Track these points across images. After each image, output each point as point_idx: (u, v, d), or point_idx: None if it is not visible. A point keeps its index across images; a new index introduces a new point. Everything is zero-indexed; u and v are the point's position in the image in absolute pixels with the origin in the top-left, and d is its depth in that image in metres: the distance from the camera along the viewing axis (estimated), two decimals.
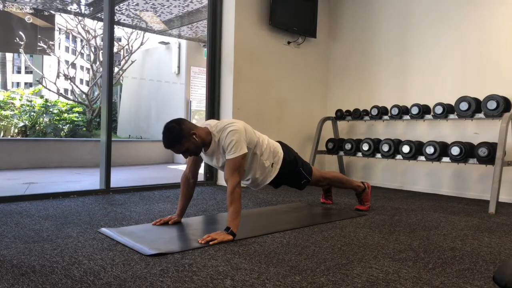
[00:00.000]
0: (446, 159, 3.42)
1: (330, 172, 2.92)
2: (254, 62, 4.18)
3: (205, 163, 4.29)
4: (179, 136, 2.07)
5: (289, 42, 4.50)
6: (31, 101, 8.38)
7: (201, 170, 4.36)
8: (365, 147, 3.94)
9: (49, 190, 3.62)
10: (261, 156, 2.33)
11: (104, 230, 2.12)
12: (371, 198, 2.97)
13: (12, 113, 7.91)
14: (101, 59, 9.62)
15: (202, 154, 2.28)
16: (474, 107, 3.33)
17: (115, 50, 4.48)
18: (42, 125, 8.03)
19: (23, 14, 7.73)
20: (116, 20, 6.62)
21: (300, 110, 4.66)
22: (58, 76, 9.86)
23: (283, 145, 2.55)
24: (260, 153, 2.31)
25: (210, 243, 1.88)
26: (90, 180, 4.50)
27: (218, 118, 4.12)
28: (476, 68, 3.71)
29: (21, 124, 7.84)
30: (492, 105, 3.22)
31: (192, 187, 2.35)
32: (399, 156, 3.72)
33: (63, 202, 2.95)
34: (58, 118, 8.34)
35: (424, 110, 3.71)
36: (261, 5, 4.20)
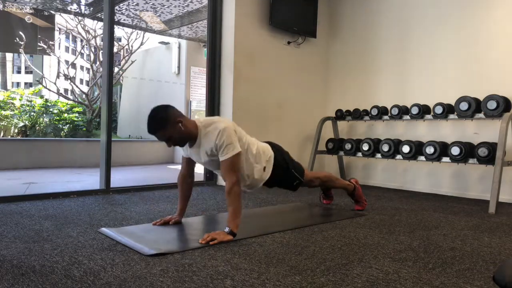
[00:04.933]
0: (446, 159, 3.42)
1: (321, 172, 2.86)
2: (254, 62, 4.18)
3: None
4: (164, 121, 2.00)
5: (289, 42, 4.50)
6: (31, 101, 8.38)
7: (201, 170, 4.37)
8: (365, 147, 3.94)
9: (49, 190, 3.62)
10: (252, 159, 2.26)
11: (104, 230, 2.12)
12: (370, 198, 2.96)
13: (12, 113, 7.91)
14: (101, 59, 9.62)
15: (186, 148, 2.21)
16: (474, 107, 3.33)
17: (115, 50, 4.48)
18: (42, 125, 8.03)
19: (23, 14, 7.73)
20: (116, 20, 6.62)
21: (300, 110, 4.66)
22: (58, 76, 9.87)
23: (273, 146, 2.47)
24: (251, 156, 2.25)
25: (210, 243, 1.88)
26: (90, 180, 4.49)
27: None
28: (476, 68, 3.71)
29: (21, 124, 7.84)
30: (492, 105, 3.22)
31: (190, 186, 2.34)
32: (399, 156, 3.72)
33: (63, 202, 2.95)
34: (58, 118, 8.34)
35: (424, 110, 3.71)
36: (261, 5, 4.20)
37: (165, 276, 1.47)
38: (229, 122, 2.14)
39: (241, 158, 2.13)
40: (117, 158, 5.61)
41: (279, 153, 2.47)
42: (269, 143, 2.49)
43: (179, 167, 2.39)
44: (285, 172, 2.46)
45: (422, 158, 3.58)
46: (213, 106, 4.14)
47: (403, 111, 3.86)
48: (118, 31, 8.91)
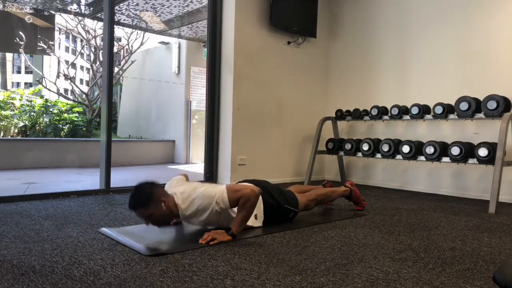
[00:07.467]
0: (446, 159, 3.42)
1: (312, 190, 2.66)
2: (254, 62, 4.18)
3: (204, 162, 4.30)
4: (147, 199, 1.92)
5: (289, 42, 4.50)
6: (31, 101, 8.38)
7: (202, 170, 4.37)
8: (365, 147, 3.94)
9: (49, 190, 3.61)
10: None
11: (104, 230, 2.12)
12: (370, 198, 2.96)
13: (12, 113, 7.91)
14: (101, 59, 9.62)
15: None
16: (474, 107, 3.33)
17: (115, 50, 4.47)
18: (42, 125, 8.03)
19: (23, 14, 7.73)
20: (116, 20, 6.62)
21: (300, 110, 4.66)
22: (58, 76, 9.86)
23: (258, 185, 2.27)
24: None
25: (210, 243, 1.88)
26: (90, 180, 4.49)
27: (218, 118, 4.13)
28: (476, 68, 3.71)
29: (21, 124, 7.83)
30: (492, 105, 3.22)
31: None
32: (399, 156, 3.71)
33: (63, 202, 2.95)
34: (58, 118, 8.33)
35: (424, 110, 3.70)
36: (261, 5, 4.20)
37: (165, 276, 1.47)
38: (201, 191, 2.01)
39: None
40: (117, 158, 5.61)
41: (266, 192, 2.31)
42: (254, 182, 2.32)
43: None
44: (278, 210, 2.35)
45: (422, 158, 3.58)
46: (213, 106, 4.14)
47: (403, 111, 3.86)
48: (118, 31, 8.90)
